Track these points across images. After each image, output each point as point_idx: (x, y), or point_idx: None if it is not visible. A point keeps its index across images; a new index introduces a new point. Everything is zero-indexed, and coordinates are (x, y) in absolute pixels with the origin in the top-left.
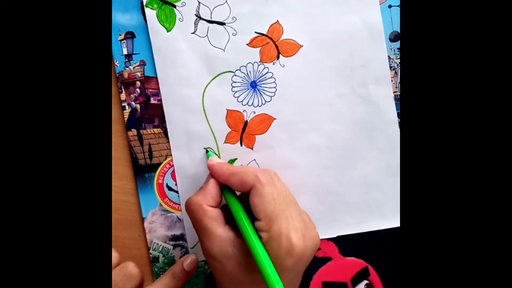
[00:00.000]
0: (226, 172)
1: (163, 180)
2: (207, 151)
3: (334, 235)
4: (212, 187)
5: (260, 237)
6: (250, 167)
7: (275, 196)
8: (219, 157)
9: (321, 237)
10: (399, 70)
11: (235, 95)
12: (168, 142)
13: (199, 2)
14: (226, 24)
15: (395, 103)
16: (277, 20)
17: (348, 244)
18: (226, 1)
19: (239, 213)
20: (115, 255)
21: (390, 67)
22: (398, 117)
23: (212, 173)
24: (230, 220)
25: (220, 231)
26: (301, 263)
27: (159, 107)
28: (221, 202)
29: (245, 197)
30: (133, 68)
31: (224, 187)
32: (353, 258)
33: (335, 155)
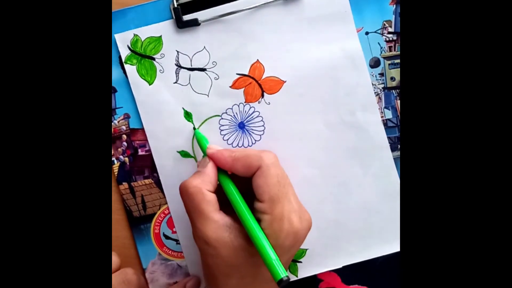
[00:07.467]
0: (229, 159)
1: (159, 229)
2: (195, 129)
3: (340, 266)
4: (211, 172)
5: (259, 219)
6: (250, 150)
7: (279, 178)
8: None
9: (327, 269)
10: (398, 96)
11: (225, 138)
12: (161, 191)
13: (177, 52)
14: (207, 70)
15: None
16: (257, 59)
17: (350, 272)
18: (205, 47)
19: (235, 196)
20: (115, 260)
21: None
22: (389, 141)
23: (215, 162)
24: (222, 205)
25: (217, 217)
26: (298, 244)
27: (148, 157)
28: (216, 186)
29: (238, 180)
30: (118, 122)
31: (220, 171)
32: (356, 286)
33: (331, 185)
